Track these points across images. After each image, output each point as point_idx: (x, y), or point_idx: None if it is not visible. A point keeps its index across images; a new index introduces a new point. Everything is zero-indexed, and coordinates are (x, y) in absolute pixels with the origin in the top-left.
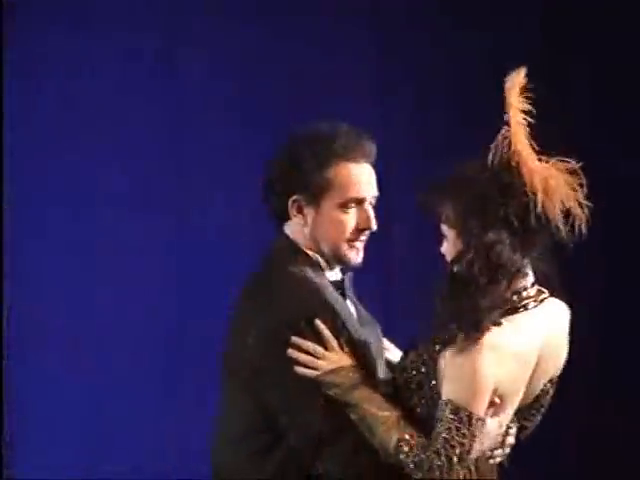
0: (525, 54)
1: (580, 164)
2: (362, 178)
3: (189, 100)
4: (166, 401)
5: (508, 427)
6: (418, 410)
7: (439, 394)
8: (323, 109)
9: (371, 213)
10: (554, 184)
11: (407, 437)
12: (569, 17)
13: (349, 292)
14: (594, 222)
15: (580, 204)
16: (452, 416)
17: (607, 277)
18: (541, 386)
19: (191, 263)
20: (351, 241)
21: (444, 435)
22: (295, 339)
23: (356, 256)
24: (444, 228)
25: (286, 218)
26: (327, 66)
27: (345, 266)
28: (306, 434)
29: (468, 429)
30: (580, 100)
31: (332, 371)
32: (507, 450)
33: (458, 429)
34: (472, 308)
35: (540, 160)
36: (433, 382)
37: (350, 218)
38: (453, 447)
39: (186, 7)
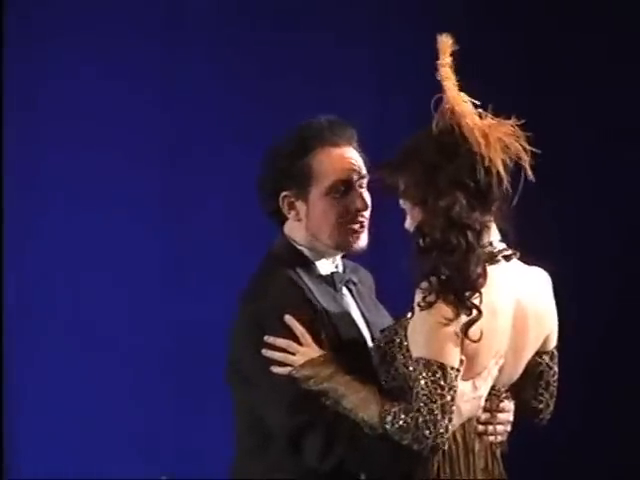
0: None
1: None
2: (344, 161)
3: (188, 99)
4: (167, 400)
5: (499, 400)
6: (394, 383)
7: (412, 358)
8: (323, 108)
9: (363, 193)
10: (495, 135)
11: (387, 406)
12: None
13: (341, 285)
14: None
15: (524, 150)
16: (426, 372)
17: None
18: (530, 355)
19: (192, 260)
20: (348, 226)
21: (423, 393)
22: (268, 337)
23: (357, 240)
24: (402, 202)
25: (283, 218)
26: (327, 66)
27: (348, 252)
28: (275, 430)
29: (445, 380)
30: None
31: (305, 364)
32: (502, 428)
33: (434, 382)
34: (446, 270)
35: (480, 117)
36: (405, 350)
37: (340, 203)
38: (434, 401)
39: (185, 8)
